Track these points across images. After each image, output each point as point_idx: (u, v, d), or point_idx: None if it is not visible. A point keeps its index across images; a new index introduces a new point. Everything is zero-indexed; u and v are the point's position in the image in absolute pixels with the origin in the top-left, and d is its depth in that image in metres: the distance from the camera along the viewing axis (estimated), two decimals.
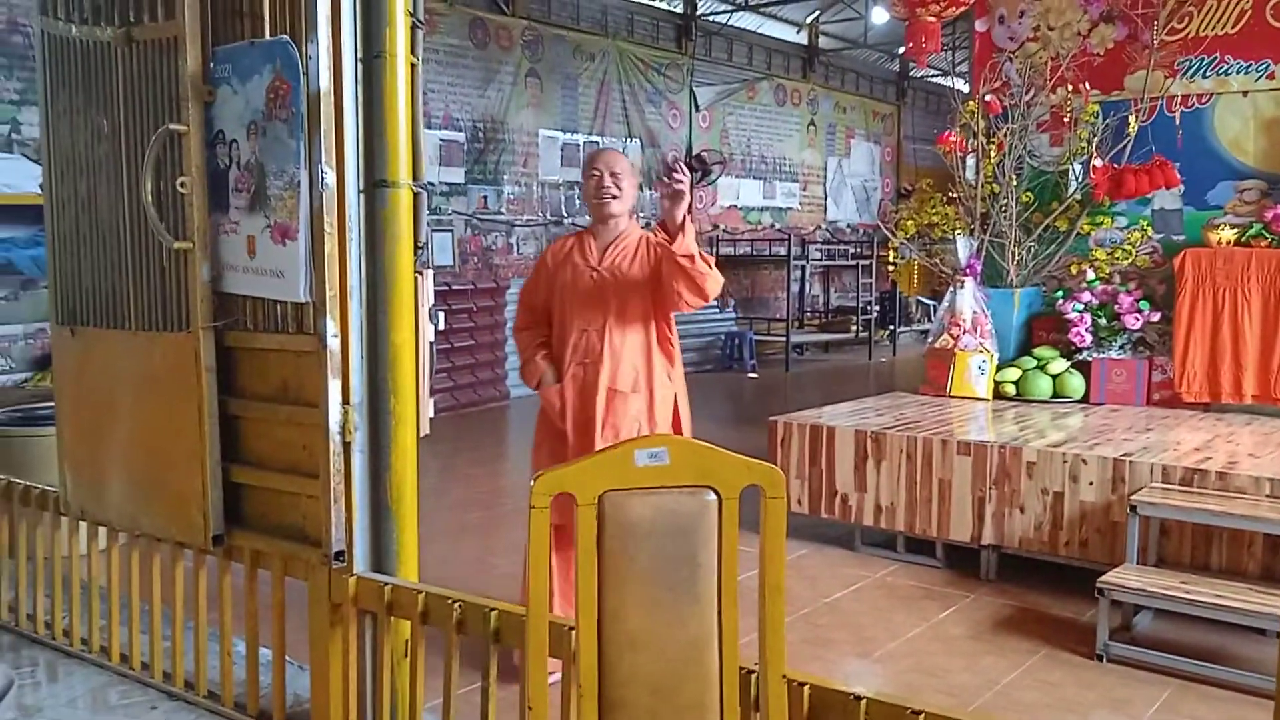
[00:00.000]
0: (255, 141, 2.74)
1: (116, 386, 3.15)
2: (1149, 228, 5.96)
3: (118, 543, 3.42)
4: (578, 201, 12.13)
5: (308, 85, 2.59)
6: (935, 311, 6.98)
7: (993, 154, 6.17)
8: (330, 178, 2.60)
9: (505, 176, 11.73)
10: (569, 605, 3.40)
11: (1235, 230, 5.61)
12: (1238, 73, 5.74)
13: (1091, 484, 4.47)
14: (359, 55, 2.66)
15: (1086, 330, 5.85)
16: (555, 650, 2.10)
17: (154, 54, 2.91)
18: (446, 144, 10.99)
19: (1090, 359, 5.86)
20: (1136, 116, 5.85)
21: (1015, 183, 6.15)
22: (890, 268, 7.97)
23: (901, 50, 15.83)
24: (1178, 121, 5.89)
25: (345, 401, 2.66)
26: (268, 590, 2.94)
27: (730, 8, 14.73)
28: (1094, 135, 5.93)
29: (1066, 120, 6.08)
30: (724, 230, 14.86)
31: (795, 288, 14.73)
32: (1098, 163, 5.88)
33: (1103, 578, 3.97)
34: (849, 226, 17.50)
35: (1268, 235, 5.50)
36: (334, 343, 2.63)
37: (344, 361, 2.66)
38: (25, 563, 3.75)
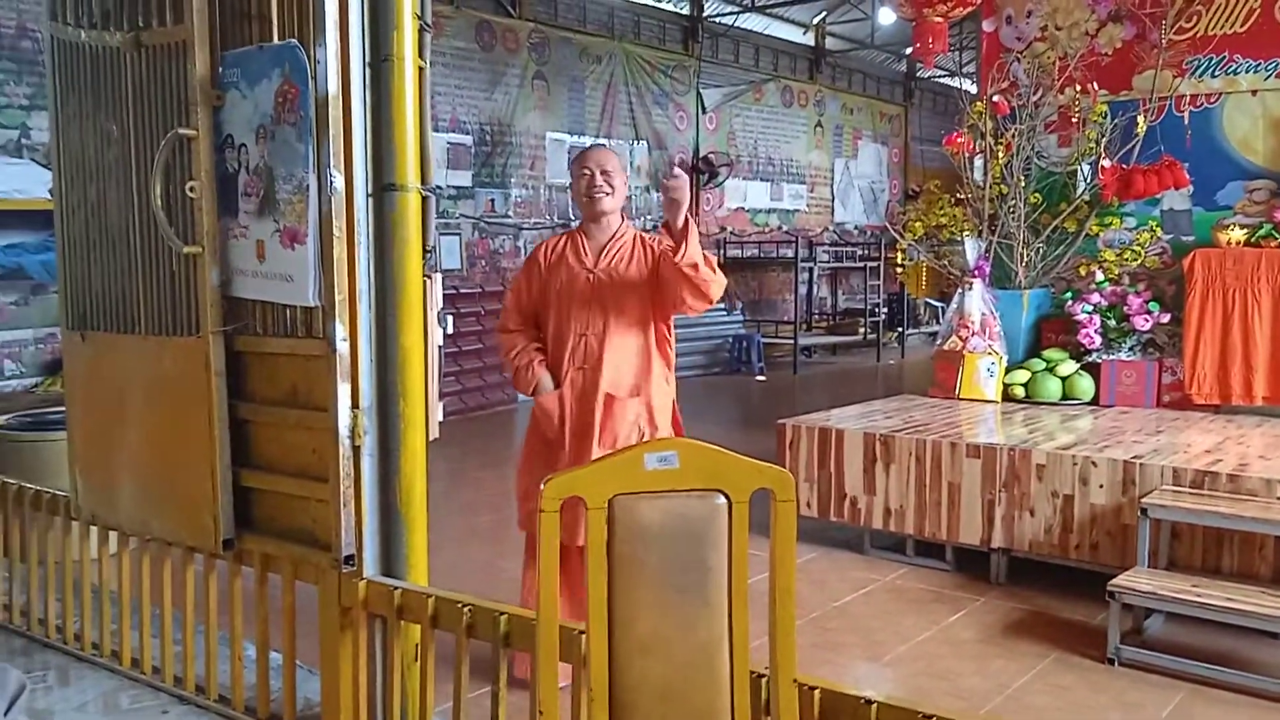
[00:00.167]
0: (264, 146, 2.75)
1: (127, 391, 3.16)
2: (1158, 228, 5.94)
3: (128, 547, 3.43)
4: None
5: (316, 89, 2.59)
6: (943, 313, 6.97)
7: (1001, 155, 6.16)
8: (339, 182, 2.60)
9: (512, 179, 11.74)
10: (565, 614, 3.38)
11: (1245, 230, 5.58)
12: (1247, 72, 5.72)
13: (1102, 486, 4.46)
14: (367, 59, 2.66)
15: (1096, 332, 5.83)
16: (565, 655, 2.10)
17: (163, 59, 2.92)
18: (454, 147, 11.00)
19: (1100, 361, 5.84)
20: (1145, 116, 5.83)
21: (1023, 184, 6.14)
22: (898, 269, 7.99)
23: (909, 51, 15.83)
24: (1186, 121, 5.87)
25: (355, 405, 2.66)
26: (278, 594, 2.95)
27: (737, 9, 14.73)
28: (1102, 135, 5.91)
29: (1075, 120, 6.06)
30: (731, 232, 14.85)
31: (803, 290, 14.71)
32: (1106, 163, 5.86)
33: (1114, 581, 3.95)
34: (856, 228, 17.48)
35: (1278, 235, 5.48)
36: (343, 347, 2.63)
37: (353, 365, 2.66)
38: (36, 567, 3.76)
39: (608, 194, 3.58)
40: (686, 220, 3.35)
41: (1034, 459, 4.64)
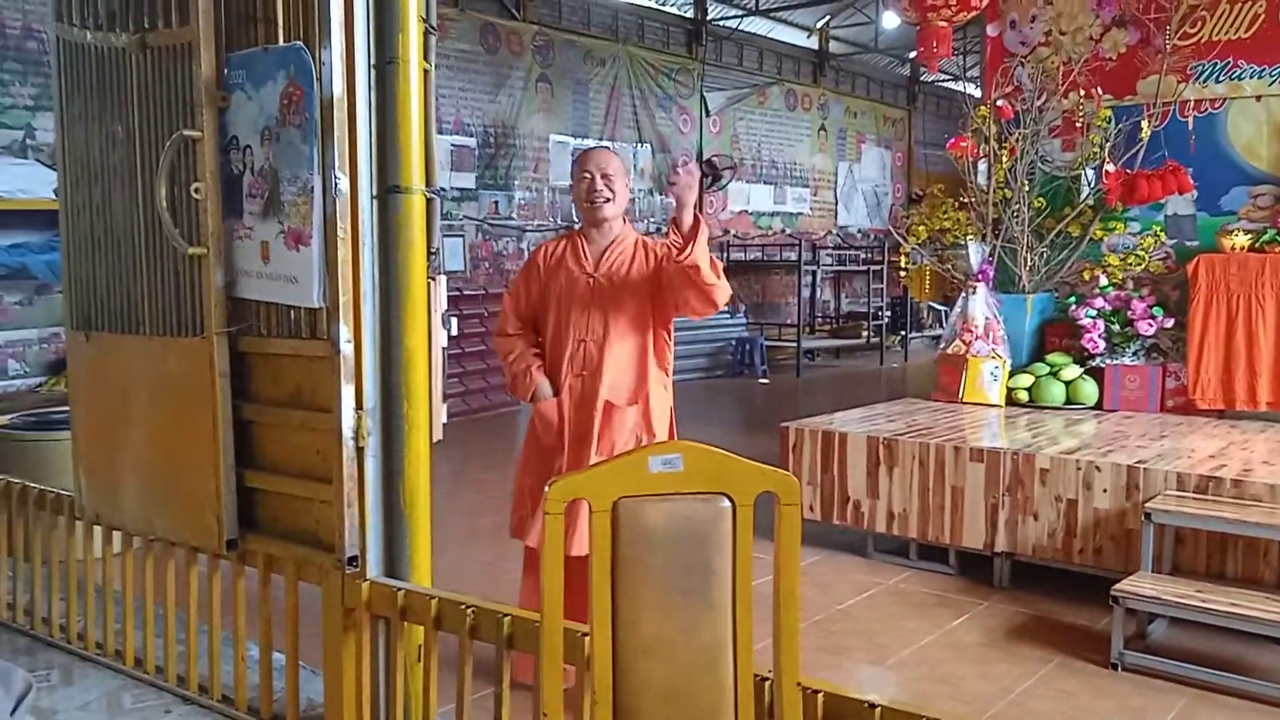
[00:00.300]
0: (269, 147, 2.75)
1: (131, 391, 3.16)
2: (1162, 233, 5.94)
3: (132, 547, 3.43)
4: None
5: (321, 91, 2.60)
6: (947, 317, 6.97)
7: (1004, 159, 6.16)
8: (344, 183, 2.60)
9: (516, 181, 11.76)
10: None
11: (1249, 236, 5.58)
12: (1251, 77, 5.72)
13: (1105, 491, 4.45)
14: (372, 61, 2.66)
15: (1099, 336, 5.83)
16: (568, 656, 2.10)
17: (168, 60, 2.92)
18: (458, 149, 11.02)
19: (1103, 365, 5.84)
20: (1149, 121, 5.83)
21: (1027, 188, 6.14)
22: (902, 273, 7.96)
23: (912, 55, 15.85)
24: (1191, 126, 5.87)
25: (358, 406, 2.66)
26: (281, 595, 2.95)
27: (741, 13, 14.75)
28: (1106, 140, 5.91)
29: (1079, 125, 6.06)
30: (735, 235, 14.86)
31: (806, 293, 14.72)
32: (1110, 168, 5.86)
33: (1117, 586, 3.95)
34: (860, 232, 17.49)
35: None
36: (347, 348, 2.63)
37: (357, 367, 2.66)
38: (40, 567, 3.76)
39: (608, 199, 3.51)
40: (696, 219, 3.29)
41: (1037, 463, 4.63)
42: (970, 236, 6.19)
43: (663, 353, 3.61)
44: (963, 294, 6.07)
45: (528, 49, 11.80)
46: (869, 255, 16.28)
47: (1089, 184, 6.05)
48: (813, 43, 16.53)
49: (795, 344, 13.74)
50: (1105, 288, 5.91)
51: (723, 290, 3.38)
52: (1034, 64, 6.23)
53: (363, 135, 2.65)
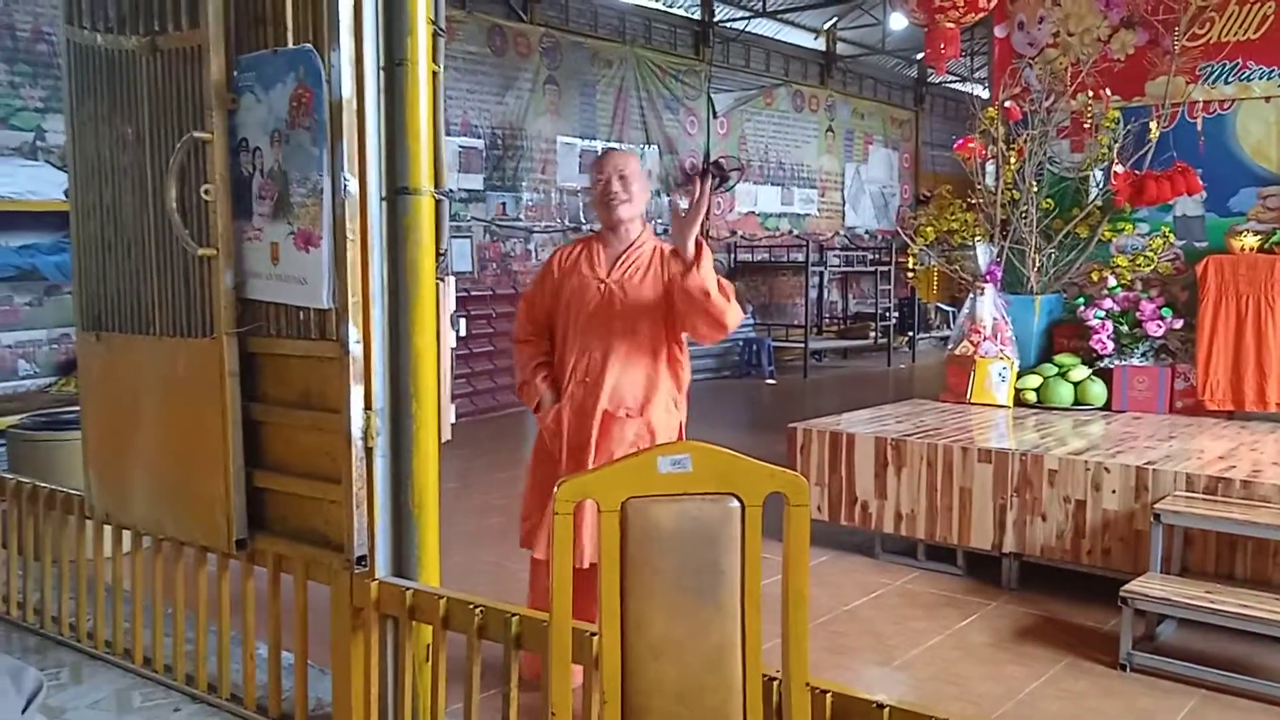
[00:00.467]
0: (278, 149, 2.76)
1: (141, 392, 3.18)
2: (1171, 234, 5.93)
3: (142, 546, 3.45)
4: None
5: (330, 93, 2.61)
6: (955, 318, 6.95)
7: (1013, 160, 6.15)
8: (353, 185, 2.61)
9: (524, 183, 11.77)
10: None
11: (1258, 237, 5.56)
12: (1260, 78, 5.70)
13: (1114, 492, 4.44)
14: (381, 63, 2.67)
15: (1108, 337, 5.82)
16: (577, 656, 2.10)
17: (178, 62, 2.94)
18: (465, 151, 11.04)
19: (1112, 366, 5.83)
20: (1158, 122, 5.82)
21: (1035, 189, 6.13)
22: (909, 274, 7.96)
23: (920, 56, 15.83)
24: (1199, 127, 5.85)
25: (367, 407, 2.68)
26: (290, 594, 2.96)
27: (748, 14, 14.74)
28: (1115, 141, 5.90)
29: (1087, 126, 6.05)
30: (742, 236, 14.86)
31: (813, 294, 14.70)
32: (1119, 169, 5.85)
33: (1126, 586, 3.94)
34: (867, 233, 17.47)
35: None
36: (356, 349, 2.64)
37: (366, 367, 2.67)
38: (50, 566, 3.78)
39: (625, 201, 3.41)
40: (699, 244, 3.15)
41: (1046, 464, 4.63)
42: (978, 238, 6.18)
43: (675, 368, 3.48)
44: (970, 295, 6.06)
45: (535, 51, 11.82)
46: (876, 256, 16.27)
47: (1097, 185, 6.04)
48: (820, 44, 16.51)
49: (803, 345, 13.72)
50: (1114, 289, 5.90)
51: (733, 313, 3.23)
52: (1042, 65, 6.22)
53: (372, 137, 2.66)
